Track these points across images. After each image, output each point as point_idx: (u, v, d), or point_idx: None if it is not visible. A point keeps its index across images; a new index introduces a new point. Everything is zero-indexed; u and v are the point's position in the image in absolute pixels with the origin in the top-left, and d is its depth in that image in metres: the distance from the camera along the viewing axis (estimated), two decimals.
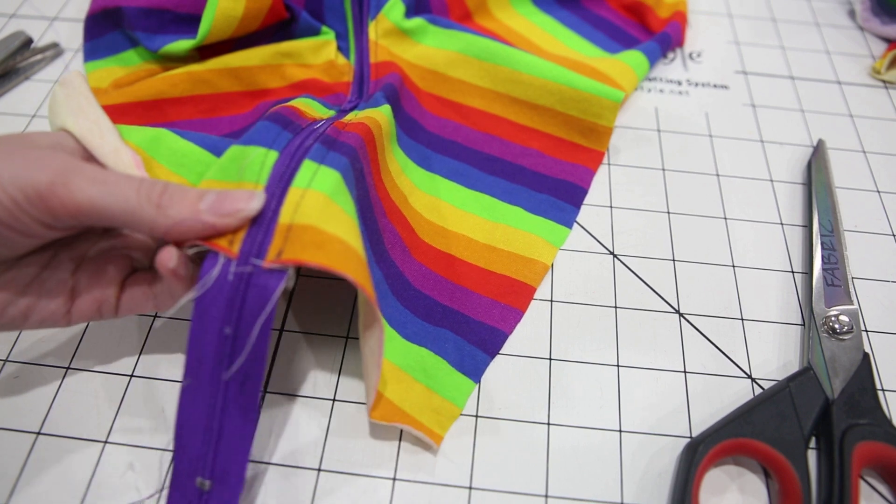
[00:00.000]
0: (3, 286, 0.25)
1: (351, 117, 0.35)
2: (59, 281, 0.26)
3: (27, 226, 0.23)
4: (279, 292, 0.24)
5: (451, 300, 0.33)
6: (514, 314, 0.33)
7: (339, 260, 0.24)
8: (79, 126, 0.27)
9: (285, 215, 0.25)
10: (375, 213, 0.33)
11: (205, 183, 0.27)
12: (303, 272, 0.35)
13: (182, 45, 0.40)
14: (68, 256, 0.27)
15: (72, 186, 0.22)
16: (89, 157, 0.27)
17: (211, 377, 0.24)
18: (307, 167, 0.27)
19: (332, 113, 0.36)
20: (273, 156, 0.27)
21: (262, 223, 0.25)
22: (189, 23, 0.41)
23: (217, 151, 0.30)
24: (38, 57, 0.44)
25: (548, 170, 0.39)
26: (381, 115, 0.35)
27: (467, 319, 0.32)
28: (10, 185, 0.22)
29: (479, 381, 0.31)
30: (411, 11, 0.44)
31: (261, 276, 0.24)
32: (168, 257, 0.24)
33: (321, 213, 0.25)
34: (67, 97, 0.28)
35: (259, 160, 0.27)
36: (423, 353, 0.31)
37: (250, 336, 0.23)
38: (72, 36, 0.46)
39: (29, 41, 0.44)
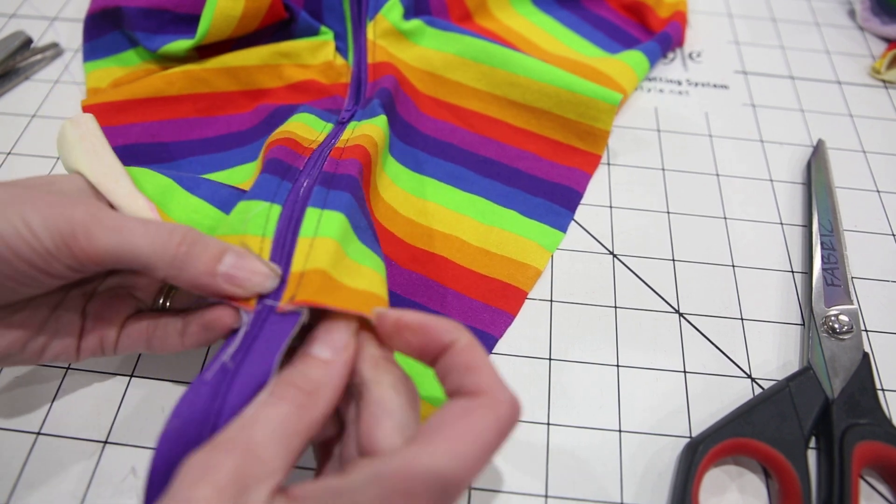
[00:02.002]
0: (22, 323, 0.26)
1: (348, 134, 0.35)
2: (72, 317, 0.27)
3: (57, 269, 0.23)
4: (294, 331, 0.24)
5: (441, 305, 0.33)
6: (505, 318, 0.33)
7: (349, 301, 0.25)
8: (93, 170, 0.27)
9: (297, 265, 0.26)
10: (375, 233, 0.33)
11: None
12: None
13: (181, 44, 0.40)
14: (79, 293, 0.27)
15: (92, 235, 0.23)
16: (107, 202, 0.27)
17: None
18: (310, 215, 0.28)
19: (330, 127, 0.37)
20: (276, 210, 0.28)
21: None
22: (188, 23, 0.41)
23: (227, 206, 0.31)
24: (38, 57, 0.44)
25: (544, 173, 0.39)
26: (377, 131, 0.36)
27: None
28: (40, 231, 0.23)
29: None
30: (410, 12, 0.44)
31: (275, 319, 0.24)
32: (228, 318, 0.25)
33: (331, 259, 0.26)
34: (81, 139, 0.28)
35: (264, 214, 0.28)
36: (409, 361, 0.31)
37: (250, 364, 0.23)
38: (72, 36, 0.46)
39: (29, 41, 0.44)
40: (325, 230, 0.27)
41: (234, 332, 0.25)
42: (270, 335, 0.24)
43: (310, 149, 0.34)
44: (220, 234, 0.28)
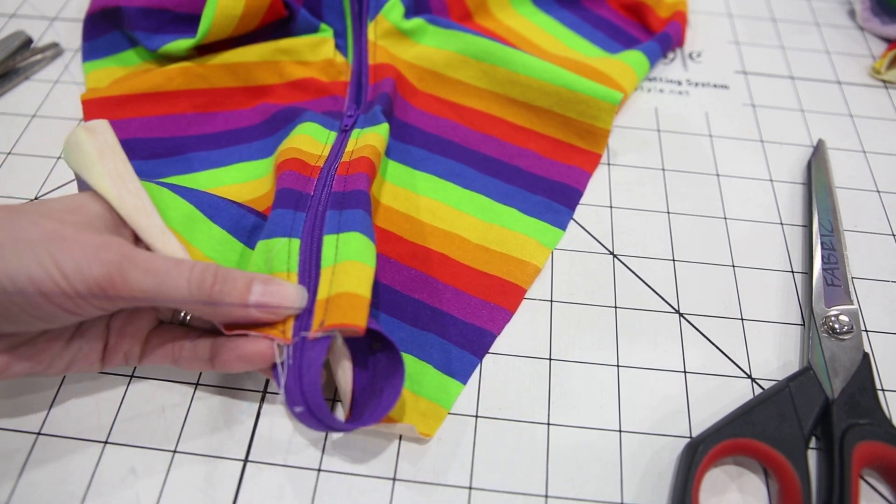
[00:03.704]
0: (47, 346, 0.26)
1: (352, 146, 0.36)
2: (95, 333, 0.27)
3: (86, 311, 0.24)
4: (325, 355, 0.26)
5: (440, 302, 0.33)
6: (503, 315, 0.33)
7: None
8: (125, 204, 0.27)
9: (322, 292, 0.27)
10: None
11: None
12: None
13: (181, 44, 0.40)
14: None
15: (128, 278, 0.24)
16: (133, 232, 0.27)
17: None
18: (328, 244, 0.29)
19: (333, 136, 0.37)
20: (296, 244, 0.30)
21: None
22: (188, 22, 0.41)
23: (249, 237, 0.32)
24: (38, 57, 0.44)
25: (544, 171, 0.39)
26: (379, 140, 0.36)
27: (455, 321, 0.32)
28: (72, 276, 0.23)
29: (467, 382, 0.31)
30: (411, 12, 0.44)
31: (309, 347, 0.26)
32: (269, 352, 0.26)
33: (354, 279, 0.27)
34: (101, 155, 0.27)
35: (284, 250, 0.29)
36: (408, 359, 0.31)
37: (314, 404, 0.25)
38: (72, 36, 0.46)
39: (29, 41, 0.44)
40: (343, 254, 0.29)
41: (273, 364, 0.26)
42: (309, 362, 0.25)
43: (317, 167, 0.34)
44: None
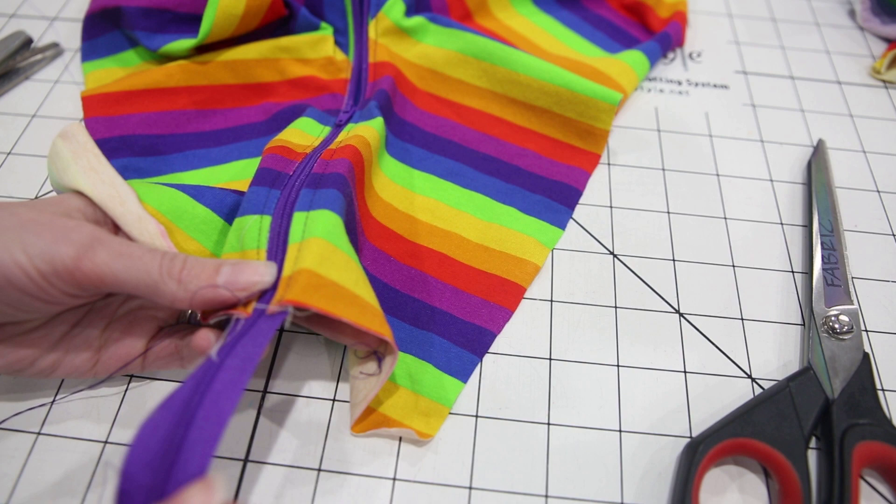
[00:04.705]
0: (33, 342, 0.26)
1: (343, 136, 0.35)
2: (88, 338, 0.27)
3: (53, 296, 0.24)
4: (275, 327, 0.25)
5: (439, 301, 0.33)
6: (503, 314, 0.33)
7: (334, 304, 0.25)
8: (98, 192, 0.27)
9: (287, 270, 0.27)
10: (357, 235, 0.33)
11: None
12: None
13: (182, 44, 0.40)
14: (99, 316, 0.28)
15: (97, 259, 0.23)
16: (111, 223, 0.27)
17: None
18: (297, 220, 0.29)
19: (327, 131, 0.37)
20: (267, 220, 0.29)
21: None
22: (189, 22, 0.41)
23: (230, 213, 0.32)
24: (38, 57, 0.44)
25: (543, 171, 0.39)
26: (370, 132, 0.36)
27: (455, 320, 0.32)
28: (38, 259, 0.23)
29: (467, 381, 0.31)
30: (411, 10, 0.44)
31: (264, 319, 0.25)
32: (206, 341, 0.26)
33: (317, 257, 0.27)
34: (75, 155, 0.27)
35: (255, 227, 0.29)
36: (408, 359, 0.31)
37: (234, 367, 0.23)
38: (72, 36, 0.46)
39: (29, 41, 0.44)
40: (311, 231, 0.28)
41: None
42: (257, 333, 0.25)
43: (302, 154, 0.34)
44: (223, 253, 0.29)
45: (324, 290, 0.26)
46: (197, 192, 0.31)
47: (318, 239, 0.27)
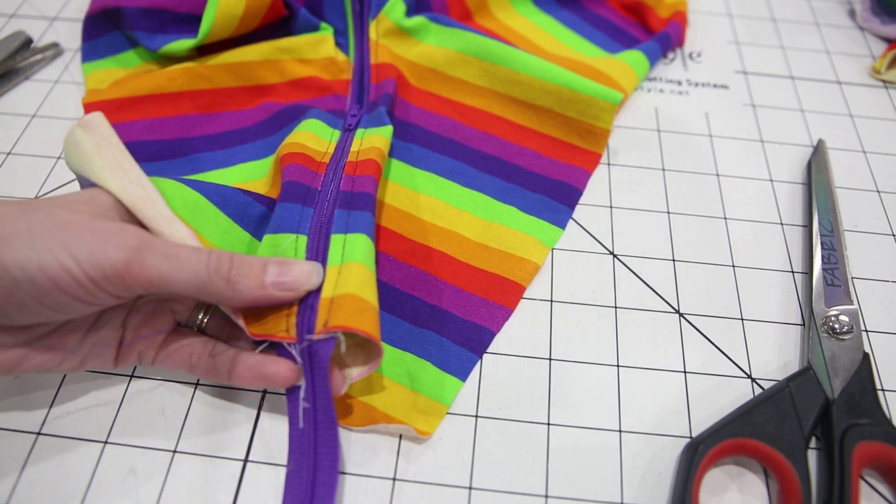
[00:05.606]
0: (60, 342, 0.26)
1: (357, 145, 0.36)
2: (110, 332, 0.27)
3: (100, 298, 0.24)
4: (330, 354, 0.26)
5: (439, 300, 0.33)
6: (503, 312, 0.33)
7: (374, 327, 0.27)
8: (128, 194, 0.27)
9: (326, 291, 0.27)
10: None
11: None
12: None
13: (182, 44, 0.40)
14: (118, 308, 0.28)
15: (146, 263, 0.24)
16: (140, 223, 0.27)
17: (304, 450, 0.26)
18: (335, 242, 0.30)
19: (337, 135, 0.37)
20: (303, 240, 0.30)
21: (307, 302, 0.27)
22: (189, 22, 0.41)
23: (256, 227, 0.32)
24: (38, 57, 0.44)
25: (544, 170, 0.39)
26: (385, 143, 0.36)
27: (455, 319, 0.32)
28: (86, 263, 0.23)
29: (466, 380, 0.31)
30: (412, 10, 0.44)
31: (316, 347, 0.26)
32: (288, 374, 0.26)
33: (359, 282, 0.28)
34: (99, 148, 0.27)
35: (292, 247, 0.29)
36: (406, 357, 0.31)
37: (324, 404, 0.26)
38: (72, 36, 0.46)
39: (29, 41, 0.44)
40: (350, 255, 0.29)
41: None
42: (317, 365, 0.26)
43: (323, 163, 0.34)
44: None
45: (367, 314, 0.26)
46: (220, 199, 0.31)
47: (359, 264, 0.28)
